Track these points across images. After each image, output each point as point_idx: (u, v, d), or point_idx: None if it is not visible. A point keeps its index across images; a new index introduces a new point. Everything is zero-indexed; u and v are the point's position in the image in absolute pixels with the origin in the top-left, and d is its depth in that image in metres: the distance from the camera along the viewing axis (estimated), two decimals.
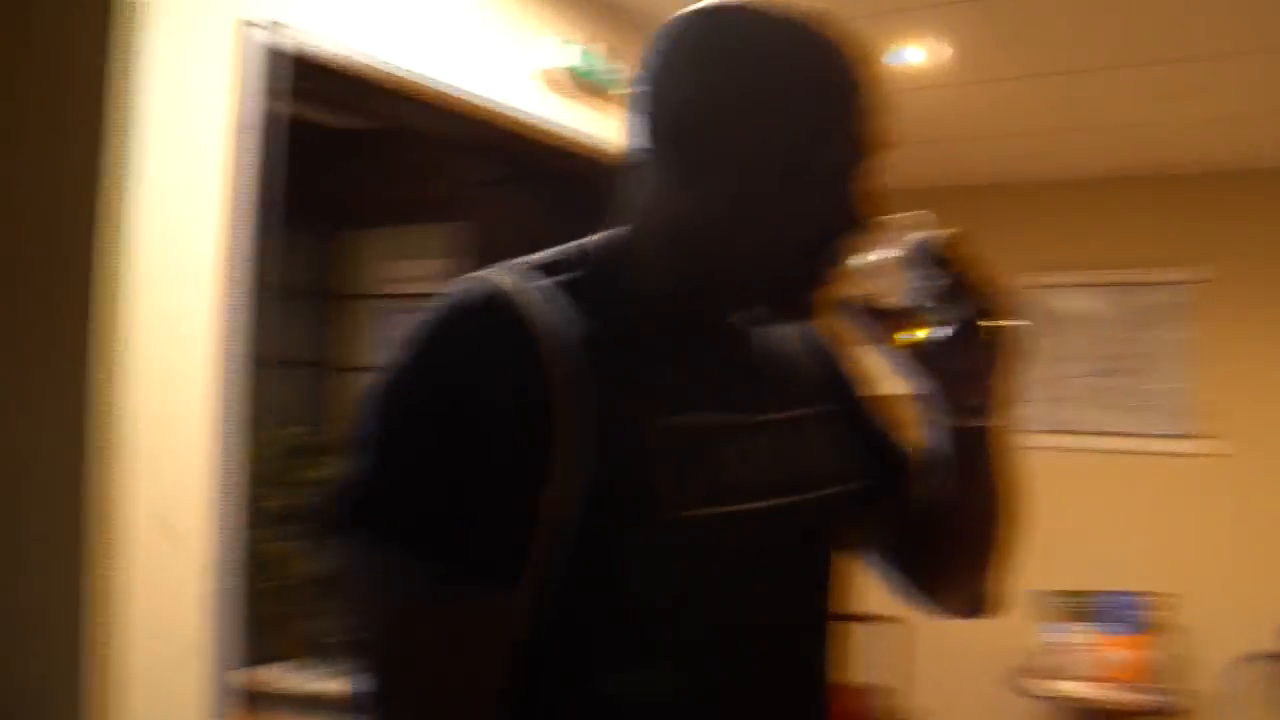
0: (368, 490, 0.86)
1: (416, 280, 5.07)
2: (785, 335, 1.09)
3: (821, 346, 1.13)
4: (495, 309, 0.88)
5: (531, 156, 3.00)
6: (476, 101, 2.67)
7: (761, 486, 0.95)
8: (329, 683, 4.78)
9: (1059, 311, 4.75)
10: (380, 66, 2.42)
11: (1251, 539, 4.24)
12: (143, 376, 1.95)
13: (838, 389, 1.12)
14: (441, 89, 2.58)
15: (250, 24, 2.13)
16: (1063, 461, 4.60)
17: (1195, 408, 4.45)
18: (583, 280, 0.94)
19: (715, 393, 0.96)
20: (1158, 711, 4.05)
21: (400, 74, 2.46)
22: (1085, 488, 4.53)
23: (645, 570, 0.88)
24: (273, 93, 2.18)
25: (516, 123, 2.78)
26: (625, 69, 3.08)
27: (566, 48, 2.90)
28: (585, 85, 2.98)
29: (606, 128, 3.11)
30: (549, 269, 0.95)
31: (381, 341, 5.19)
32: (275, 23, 2.17)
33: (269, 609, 4.75)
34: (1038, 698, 4.12)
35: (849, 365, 1.14)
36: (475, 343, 0.87)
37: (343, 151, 5.20)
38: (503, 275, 0.93)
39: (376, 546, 0.84)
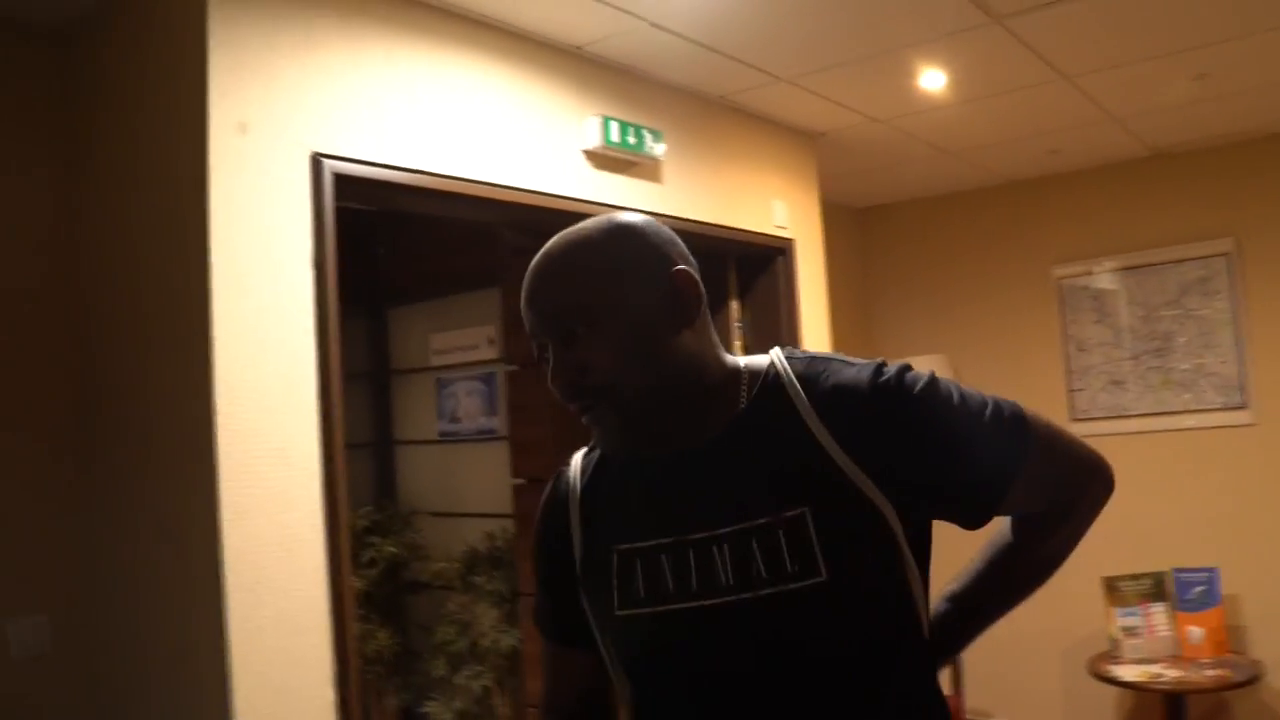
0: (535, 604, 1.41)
1: (464, 349, 5.23)
2: (765, 444, 1.19)
3: (811, 441, 1.16)
4: (556, 478, 1.37)
5: (563, 222, 3.14)
6: (511, 188, 2.82)
7: (695, 590, 1.17)
8: None
9: (1100, 297, 4.84)
10: (424, 178, 2.59)
11: None
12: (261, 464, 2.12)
13: (817, 487, 1.14)
14: (481, 186, 2.74)
15: (321, 155, 2.33)
16: (1117, 446, 4.66)
17: (1239, 379, 4.51)
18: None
19: (662, 517, 1.22)
20: (1240, 684, 4.08)
21: (441, 180, 2.64)
22: (1144, 469, 4.58)
23: (620, 650, 1.26)
24: (334, 208, 2.38)
25: (550, 198, 2.94)
26: (650, 134, 3.24)
27: (593, 124, 3.06)
28: (614, 156, 3.13)
29: (629, 191, 3.26)
30: None
31: (438, 412, 5.34)
32: (338, 155, 2.36)
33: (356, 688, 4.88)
34: (1120, 684, 4.17)
35: (851, 454, 1.15)
36: (545, 504, 1.37)
37: (386, 231, 5.40)
38: (578, 451, 1.36)
39: (540, 635, 1.41)
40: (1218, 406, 4.55)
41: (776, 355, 1.26)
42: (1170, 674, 4.10)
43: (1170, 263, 4.65)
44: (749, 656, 1.16)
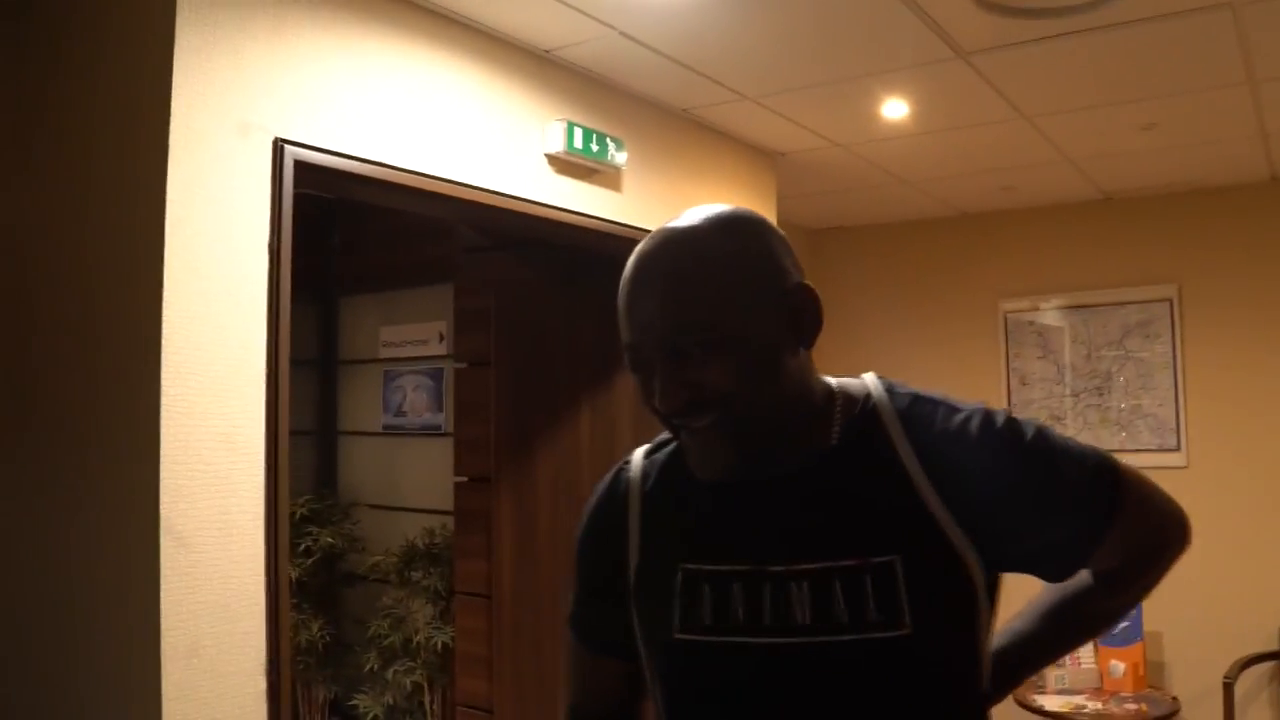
0: (570, 607, 1.35)
1: (414, 343, 5.22)
2: (857, 481, 1.13)
3: (908, 484, 1.11)
4: (613, 479, 1.30)
5: (521, 224, 3.16)
6: (470, 186, 2.83)
7: (768, 625, 1.11)
8: None
9: (1044, 333, 4.94)
10: (384, 170, 2.59)
11: (1231, 546, 4.40)
12: (206, 445, 2.11)
13: (909, 534, 1.10)
14: (441, 182, 2.74)
15: (284, 141, 2.33)
16: None
17: (1173, 422, 4.62)
18: (674, 450, 1.26)
19: (740, 542, 1.15)
20: (1161, 718, 4.18)
21: (401, 173, 2.64)
22: None
23: (667, 674, 1.20)
24: (294, 195, 2.37)
25: (509, 199, 2.95)
26: (613, 142, 3.26)
27: (557, 128, 3.07)
28: (575, 162, 3.15)
29: (589, 197, 3.28)
30: (668, 441, 1.27)
31: (384, 404, 5.32)
32: (300, 142, 2.36)
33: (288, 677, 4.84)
34: (1044, 713, 4.25)
35: (949, 502, 1.10)
36: (598, 505, 1.31)
37: (343, 219, 5.37)
38: (638, 450, 1.31)
39: (572, 638, 1.35)
40: (1153, 447, 4.66)
41: (875, 385, 1.20)
42: (1092, 705, 4.19)
43: (1114, 304, 4.76)
44: (811, 699, 1.10)
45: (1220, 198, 4.54)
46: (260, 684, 2.23)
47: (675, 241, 1.11)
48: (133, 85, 2.23)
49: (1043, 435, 1.14)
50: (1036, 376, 4.95)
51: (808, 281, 1.16)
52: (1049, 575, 1.19)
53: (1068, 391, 4.88)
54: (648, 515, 1.23)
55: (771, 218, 4.18)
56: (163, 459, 2.06)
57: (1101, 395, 4.79)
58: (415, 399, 5.22)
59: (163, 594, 2.04)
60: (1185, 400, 4.61)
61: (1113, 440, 4.74)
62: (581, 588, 1.32)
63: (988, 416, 1.13)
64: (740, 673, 1.13)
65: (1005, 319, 5.04)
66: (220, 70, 2.21)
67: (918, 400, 1.17)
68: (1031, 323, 4.99)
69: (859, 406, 1.17)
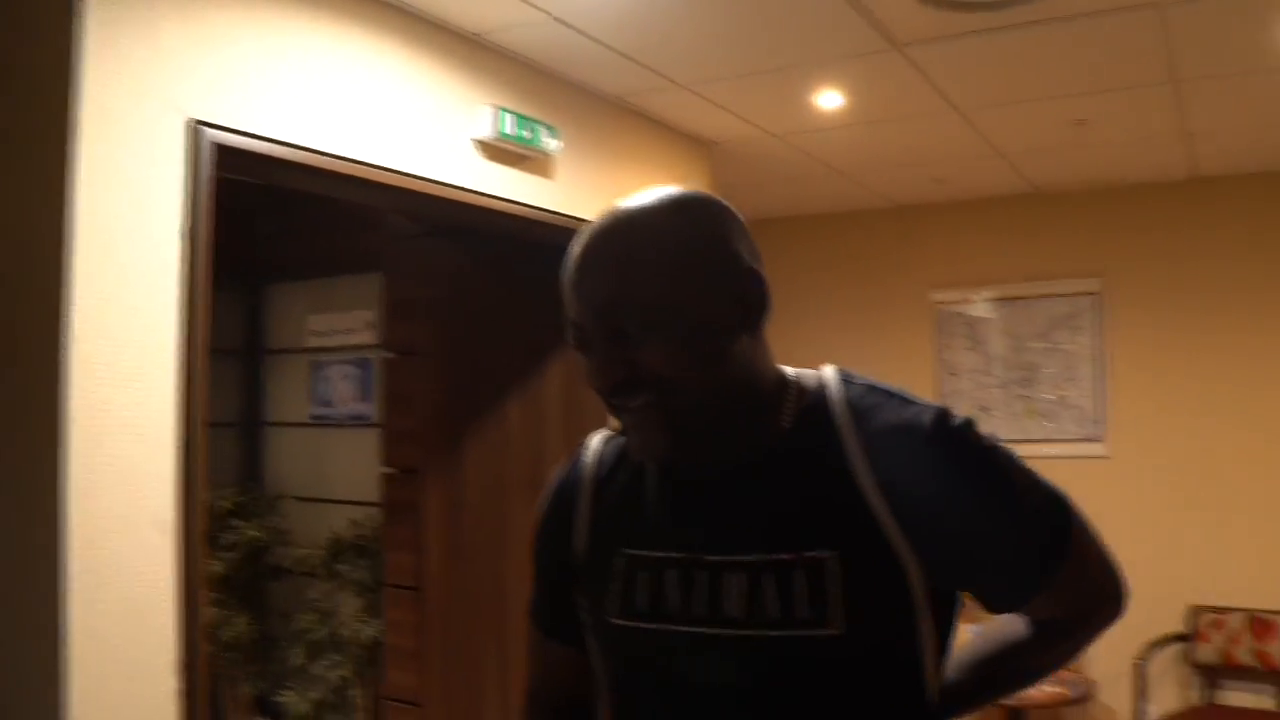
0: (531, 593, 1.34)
1: (342, 332, 5.12)
2: (801, 475, 1.10)
3: (850, 480, 1.07)
4: (568, 465, 1.29)
5: (450, 211, 3.10)
6: (397, 172, 2.77)
7: (699, 614, 1.10)
8: None
9: (973, 325, 4.98)
10: (308, 155, 2.52)
11: (1146, 533, 4.49)
12: (112, 437, 2.03)
13: (847, 531, 1.06)
14: (367, 168, 2.68)
15: (200, 122, 2.24)
16: None
17: (1097, 413, 4.70)
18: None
19: (679, 530, 1.14)
20: (1075, 700, 4.26)
21: (326, 158, 2.57)
22: None
23: (607, 659, 1.20)
24: (212, 178, 2.29)
25: (437, 186, 2.88)
26: (545, 129, 3.21)
27: (487, 113, 3.01)
28: (506, 148, 3.09)
29: (521, 185, 3.23)
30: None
31: (311, 395, 5.21)
32: (219, 124, 2.28)
33: (212, 672, 4.73)
34: None
35: (893, 504, 1.06)
36: (553, 491, 1.29)
37: (270, 206, 5.24)
38: (596, 434, 1.28)
39: (530, 624, 1.34)
40: (1077, 438, 4.73)
41: (831, 377, 1.15)
42: None
43: (1041, 296, 4.82)
44: (740, 693, 1.08)
45: (1142, 194, 4.61)
46: (172, 683, 2.15)
47: (623, 219, 1.09)
48: (39, 58, 2.13)
49: (1003, 449, 1.10)
50: (965, 367, 5.00)
51: (759, 267, 1.12)
52: (991, 598, 1.12)
53: (995, 382, 4.93)
54: (598, 501, 1.22)
55: None
56: (69, 451, 1.97)
57: (1028, 386, 4.85)
58: (343, 389, 5.13)
59: (69, 591, 1.96)
60: (1109, 393, 4.68)
61: (1038, 430, 4.80)
62: (538, 575, 1.31)
63: (943, 415, 1.08)
64: (674, 661, 1.12)
65: (936, 311, 5.08)
66: (134, 47, 2.13)
67: (871, 391, 1.13)
68: (961, 314, 5.03)
69: (810, 398, 1.14)
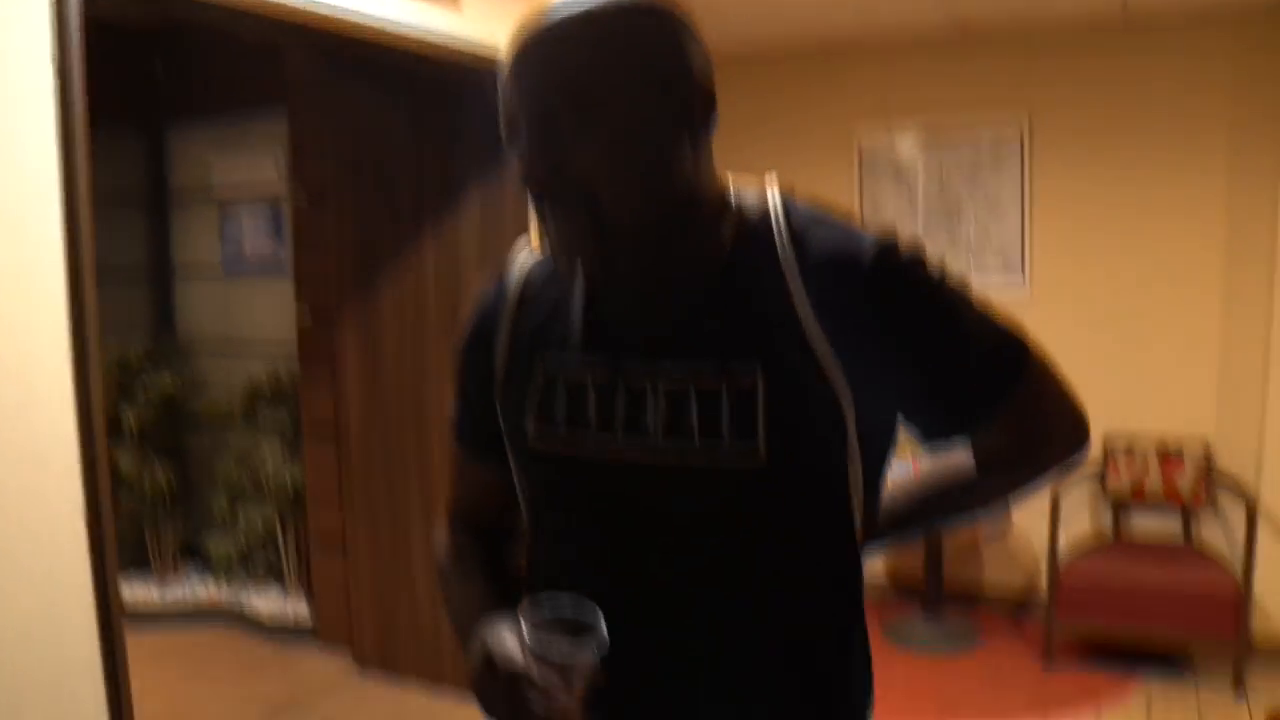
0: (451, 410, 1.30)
1: (250, 177, 4.92)
2: (735, 292, 1.05)
3: (785, 303, 1.02)
4: (494, 283, 1.22)
5: (365, 50, 2.95)
6: (309, 8, 2.60)
7: (618, 435, 1.06)
8: (187, 591, 4.80)
9: (897, 163, 4.95)
10: None
11: (1065, 368, 4.58)
12: None
13: (777, 354, 1.02)
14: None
15: None
16: None
17: (1019, 253, 4.74)
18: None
19: (600, 335, 1.10)
20: (990, 532, 4.42)
21: None
22: None
23: (525, 479, 1.18)
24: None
25: (337, 18, 2.72)
26: None
27: None
28: None
29: (423, 15, 3.07)
30: None
31: (221, 242, 5.04)
32: None
33: (130, 524, 4.71)
34: None
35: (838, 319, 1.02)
36: (476, 308, 1.23)
37: (165, 45, 4.95)
38: (523, 250, 1.22)
39: (452, 441, 1.30)
40: (1000, 277, 4.77)
41: (774, 198, 1.10)
42: None
43: (966, 130, 4.78)
44: (655, 518, 1.06)
45: (1072, 32, 4.54)
46: (79, 528, 2.10)
47: (573, 10, 1.01)
48: None
49: (953, 280, 1.05)
50: (890, 206, 4.98)
51: (709, 76, 1.06)
52: (927, 425, 1.09)
53: (920, 220, 4.92)
54: (521, 314, 1.17)
55: None
56: None
57: (952, 224, 4.85)
58: (254, 236, 4.96)
59: None
60: (1031, 232, 4.71)
61: (963, 268, 4.83)
62: (458, 392, 1.27)
63: (888, 248, 1.03)
64: (589, 485, 1.09)
65: (860, 150, 5.02)
66: None
67: (814, 216, 1.08)
68: (884, 153, 4.98)
69: (752, 219, 1.08)
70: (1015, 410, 1.09)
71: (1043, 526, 4.13)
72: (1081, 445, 1.18)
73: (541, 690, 0.93)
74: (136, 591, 4.69)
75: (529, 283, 1.19)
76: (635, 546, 1.07)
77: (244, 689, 3.99)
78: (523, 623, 0.96)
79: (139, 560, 4.83)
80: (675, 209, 1.04)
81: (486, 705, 0.98)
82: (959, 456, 1.17)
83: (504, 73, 1.04)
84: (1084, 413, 1.17)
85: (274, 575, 4.69)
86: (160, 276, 5.18)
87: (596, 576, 1.08)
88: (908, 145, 4.93)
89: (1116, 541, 4.29)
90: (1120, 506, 4.38)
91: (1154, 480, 4.26)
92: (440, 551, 1.30)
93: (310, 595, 4.44)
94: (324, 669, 4.17)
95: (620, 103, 1.00)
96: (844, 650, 1.11)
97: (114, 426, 4.54)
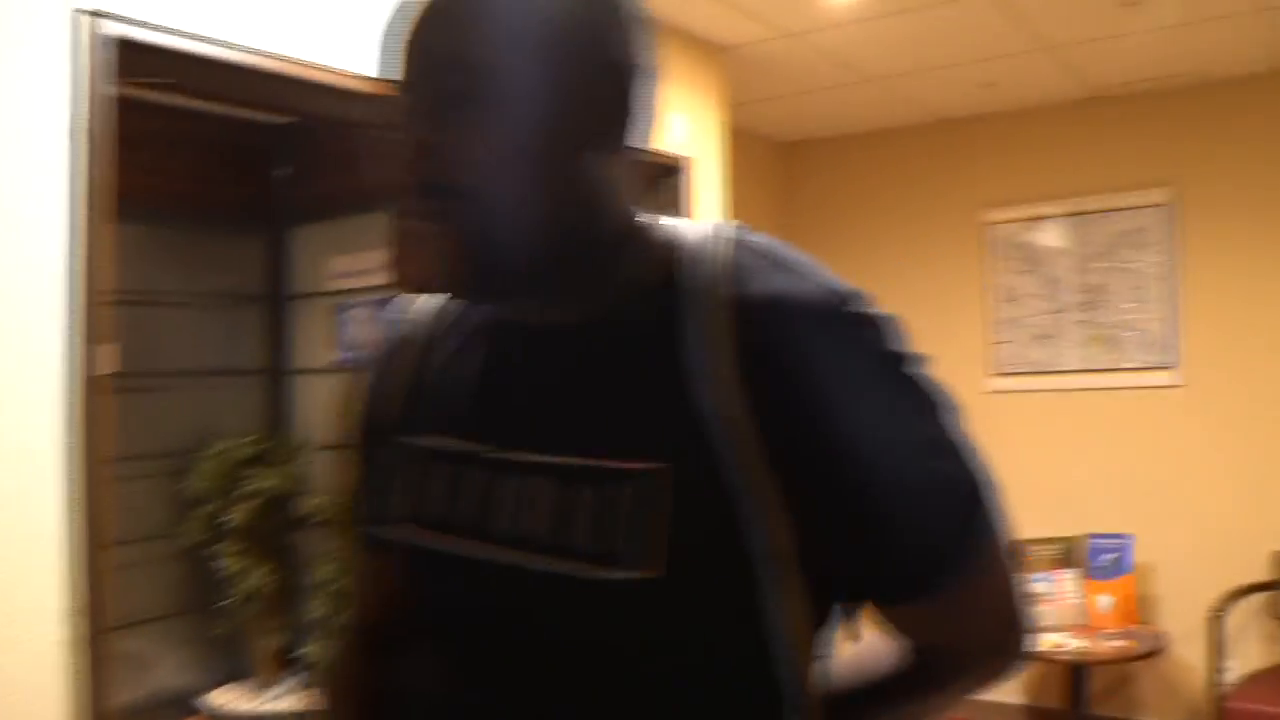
0: None
1: (367, 273, 4.94)
2: (638, 354, 0.83)
3: (705, 370, 0.79)
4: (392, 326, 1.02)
5: None
6: (347, 72, 2.53)
7: (465, 530, 0.85)
8: (288, 701, 4.67)
9: (1028, 246, 4.59)
10: (223, 49, 2.30)
11: (1225, 472, 4.07)
12: None
13: (688, 439, 0.78)
14: (341, 75, 2.45)
15: (84, 11, 2.03)
16: (1038, 403, 4.47)
17: (1168, 338, 4.28)
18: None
19: (473, 412, 0.89)
20: (1144, 655, 3.89)
21: (245, 52, 2.34)
22: (1062, 428, 4.40)
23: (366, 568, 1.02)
24: (114, 80, 2.09)
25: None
26: None
27: None
28: None
29: None
30: None
31: (337, 339, 5.05)
32: (112, 14, 2.05)
33: (230, 626, 4.64)
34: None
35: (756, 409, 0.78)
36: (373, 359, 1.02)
37: (276, 147, 5.07)
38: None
39: None
40: (1145, 366, 4.32)
41: (718, 230, 0.86)
42: (1074, 643, 3.91)
43: (1104, 211, 4.39)
44: (514, 644, 0.84)
45: (1219, 91, 4.14)
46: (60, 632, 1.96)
47: None
48: None
49: (925, 378, 0.82)
50: (1020, 293, 4.60)
51: (639, 73, 0.85)
52: (877, 577, 0.82)
53: (1054, 308, 4.52)
54: (388, 375, 0.98)
55: (718, 118, 3.85)
56: None
57: (1091, 310, 4.43)
58: (367, 331, 4.96)
59: None
60: (1183, 315, 4.25)
61: (1103, 359, 4.40)
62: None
63: (851, 296, 0.82)
64: (447, 594, 0.89)
65: (986, 232, 4.68)
66: None
67: (764, 255, 0.84)
68: (1014, 235, 4.63)
69: (681, 253, 0.85)
70: (969, 590, 0.82)
71: (1203, 649, 3.60)
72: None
73: None
74: (235, 698, 4.59)
75: (419, 327, 0.98)
76: (482, 673, 0.86)
77: None
78: None
79: (240, 665, 4.75)
80: (566, 227, 0.84)
81: None
82: (875, 653, 0.90)
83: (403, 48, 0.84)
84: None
85: None
86: (274, 375, 5.22)
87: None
88: (1040, 224, 4.57)
89: None
90: None
91: None
92: None
93: None
94: None
95: (519, 90, 0.81)
96: None
97: (220, 526, 4.52)
